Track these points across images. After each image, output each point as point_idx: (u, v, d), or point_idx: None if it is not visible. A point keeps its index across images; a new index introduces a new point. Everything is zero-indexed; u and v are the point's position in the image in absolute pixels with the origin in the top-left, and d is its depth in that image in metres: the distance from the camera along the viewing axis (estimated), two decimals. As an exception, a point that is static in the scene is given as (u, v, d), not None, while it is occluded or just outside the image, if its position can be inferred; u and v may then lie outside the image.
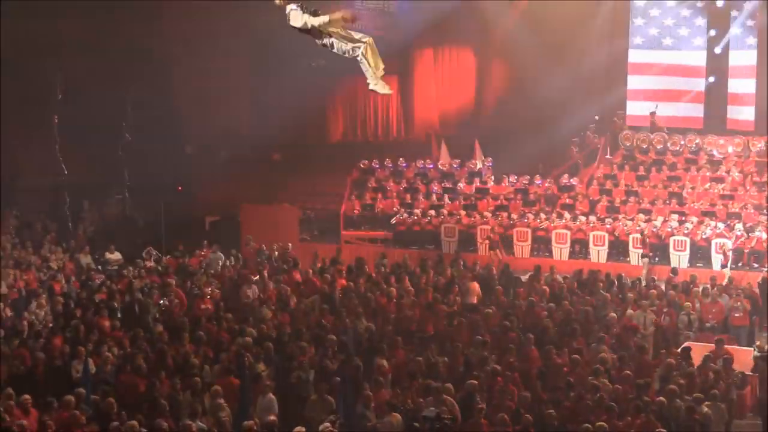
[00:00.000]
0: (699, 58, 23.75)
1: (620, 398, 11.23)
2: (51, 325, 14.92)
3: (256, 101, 24.74)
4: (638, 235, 19.41)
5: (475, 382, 11.45)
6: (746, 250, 18.65)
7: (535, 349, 12.95)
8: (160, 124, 22.40)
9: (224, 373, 12.07)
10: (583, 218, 20.43)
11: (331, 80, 23.57)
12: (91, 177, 22.27)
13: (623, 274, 17.79)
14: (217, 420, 10.79)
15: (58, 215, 21.91)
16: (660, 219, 19.96)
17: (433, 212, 21.53)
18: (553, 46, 24.06)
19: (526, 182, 22.48)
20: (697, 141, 22.97)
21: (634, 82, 24.28)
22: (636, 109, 24.24)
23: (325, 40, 8.15)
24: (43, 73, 21.39)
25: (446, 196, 22.34)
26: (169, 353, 12.65)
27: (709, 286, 16.18)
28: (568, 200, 21.55)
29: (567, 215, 20.64)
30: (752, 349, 14.00)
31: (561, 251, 20.05)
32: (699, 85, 23.80)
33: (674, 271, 17.73)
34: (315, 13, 8.15)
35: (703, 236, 19.20)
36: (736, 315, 15.33)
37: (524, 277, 17.30)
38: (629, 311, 14.92)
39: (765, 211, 19.58)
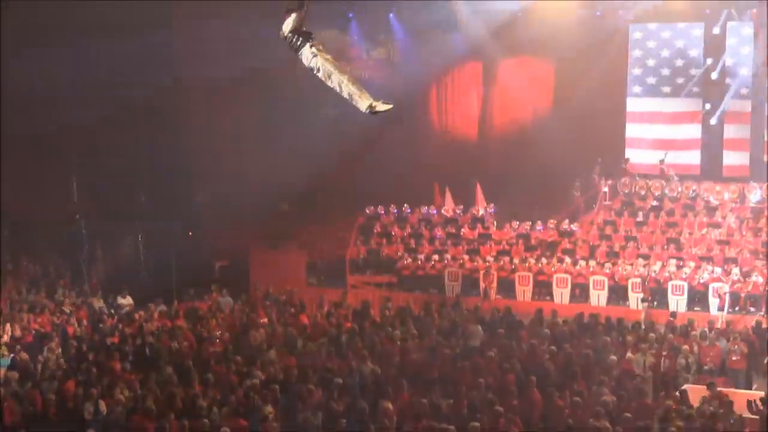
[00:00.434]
0: (696, 105, 24.27)
1: (621, 440, 11.41)
2: (64, 367, 15.12)
3: (265, 150, 25.22)
4: (637, 280, 19.69)
5: (478, 424, 11.57)
6: (743, 294, 18.89)
7: (537, 391, 13.13)
8: (172, 174, 22.98)
9: (232, 415, 12.24)
10: (583, 263, 20.78)
11: (343, 128, 24.04)
12: (105, 224, 22.73)
13: (623, 318, 17.97)
14: (225, 461, 10.96)
15: (72, 260, 22.30)
16: (658, 264, 20.27)
17: (436, 257, 21.95)
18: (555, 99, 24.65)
19: (528, 227, 22.87)
20: (694, 187, 23.37)
21: (633, 130, 24.72)
22: (637, 156, 24.56)
23: (312, 63, 7.87)
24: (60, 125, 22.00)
25: (449, 241, 22.74)
26: (179, 395, 12.82)
27: (707, 329, 16.46)
28: (568, 245, 21.90)
29: (568, 260, 21.00)
30: (752, 391, 14.17)
31: (562, 295, 20.36)
32: (696, 132, 24.26)
33: (673, 314, 17.99)
34: (307, 35, 7.93)
35: (701, 281, 19.46)
36: (734, 358, 15.60)
37: (526, 321, 17.56)
38: (629, 354, 15.12)
39: (761, 255, 19.90)
